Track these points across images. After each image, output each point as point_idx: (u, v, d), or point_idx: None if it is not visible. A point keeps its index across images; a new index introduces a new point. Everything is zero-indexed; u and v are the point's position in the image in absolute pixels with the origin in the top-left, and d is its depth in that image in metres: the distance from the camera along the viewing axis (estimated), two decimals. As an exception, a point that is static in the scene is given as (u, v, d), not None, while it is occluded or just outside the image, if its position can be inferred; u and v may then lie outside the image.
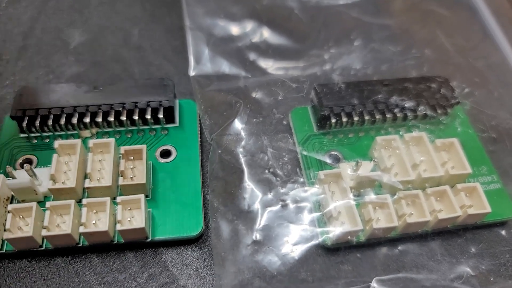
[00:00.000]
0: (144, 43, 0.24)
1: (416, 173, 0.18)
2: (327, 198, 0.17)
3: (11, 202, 0.17)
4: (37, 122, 0.19)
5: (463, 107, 0.21)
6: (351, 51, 0.23)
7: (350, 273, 0.17)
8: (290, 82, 0.22)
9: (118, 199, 0.17)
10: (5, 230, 0.16)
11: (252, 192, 0.18)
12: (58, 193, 0.17)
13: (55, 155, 0.18)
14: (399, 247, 0.18)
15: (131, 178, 0.17)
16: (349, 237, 0.17)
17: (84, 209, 0.16)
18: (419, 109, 0.20)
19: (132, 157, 0.18)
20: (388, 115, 0.20)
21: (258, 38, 0.23)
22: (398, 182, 0.18)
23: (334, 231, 0.17)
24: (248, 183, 0.18)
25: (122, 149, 0.18)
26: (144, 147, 0.18)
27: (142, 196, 0.17)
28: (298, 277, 0.17)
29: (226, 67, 0.22)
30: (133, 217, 0.17)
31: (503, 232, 0.19)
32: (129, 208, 0.17)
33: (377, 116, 0.20)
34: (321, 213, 0.18)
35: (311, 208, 0.18)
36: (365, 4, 0.26)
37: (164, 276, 0.17)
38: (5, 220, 0.16)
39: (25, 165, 0.18)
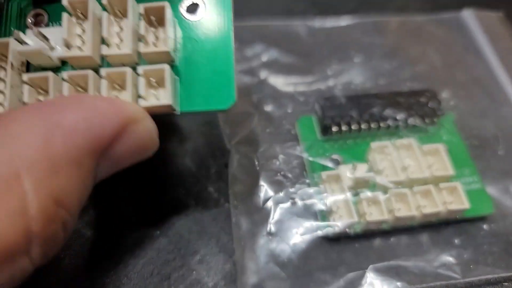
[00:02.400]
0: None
1: (405, 174, 0.22)
2: (328, 196, 0.21)
3: (27, 71, 0.16)
4: None
5: (449, 118, 0.25)
6: (352, 67, 0.28)
7: (349, 260, 0.21)
8: (297, 96, 0.26)
9: (140, 69, 0.15)
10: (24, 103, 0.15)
11: (266, 191, 0.22)
12: (73, 62, 0.15)
13: (65, 15, 0.15)
14: (391, 239, 0.21)
15: (153, 44, 0.16)
16: (346, 229, 0.21)
17: (104, 82, 0.15)
18: (409, 120, 0.24)
19: (153, 17, 0.16)
20: (382, 125, 0.24)
21: (269, 58, 0.27)
22: (389, 182, 0.22)
23: (334, 223, 0.21)
24: (263, 184, 0.22)
25: (142, 6, 0.15)
26: (165, 3, 0.16)
27: (166, 67, 0.15)
28: (305, 263, 0.20)
29: (241, 84, 0.26)
30: (156, 93, 0.15)
31: (484, 226, 0.22)
32: (153, 79, 0.15)
33: (373, 126, 0.24)
34: (323, 208, 0.21)
35: (315, 204, 0.22)
36: (365, 25, 0.30)
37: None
38: (22, 91, 0.15)
39: (37, 18, 0.16)
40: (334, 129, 0.24)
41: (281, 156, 0.24)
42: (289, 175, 0.23)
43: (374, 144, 0.23)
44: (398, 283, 0.20)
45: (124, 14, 0.16)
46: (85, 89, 0.15)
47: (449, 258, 0.21)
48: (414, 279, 0.20)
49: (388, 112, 0.24)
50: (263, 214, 0.22)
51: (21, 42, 0.15)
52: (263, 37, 0.28)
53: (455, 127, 0.25)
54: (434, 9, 0.32)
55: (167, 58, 0.16)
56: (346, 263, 0.21)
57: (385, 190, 0.22)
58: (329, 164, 0.23)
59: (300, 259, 0.21)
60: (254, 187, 0.22)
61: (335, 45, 0.29)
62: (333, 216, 0.21)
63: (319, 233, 0.21)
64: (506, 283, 0.21)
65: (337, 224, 0.21)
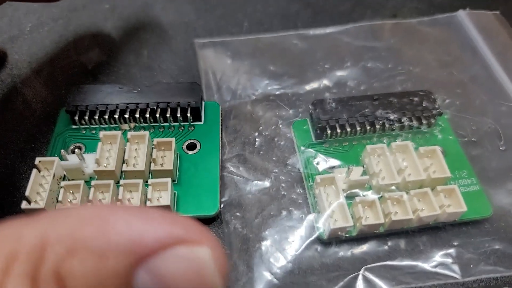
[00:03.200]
0: (153, 63, 0.29)
1: (401, 177, 0.22)
2: (323, 199, 0.21)
3: (63, 180, 0.22)
4: (86, 116, 0.24)
5: (445, 117, 0.25)
6: (345, 70, 0.28)
7: (345, 265, 0.21)
8: (292, 100, 0.26)
9: (149, 181, 0.21)
10: (57, 201, 0.21)
11: (260, 196, 0.22)
12: (101, 174, 0.22)
13: (99, 144, 0.22)
14: (387, 242, 0.21)
15: (161, 164, 0.22)
16: (339, 233, 0.21)
17: (121, 188, 0.21)
18: (405, 121, 0.24)
19: (163, 148, 0.23)
20: (377, 126, 0.24)
21: (263, 67, 0.28)
22: (385, 185, 0.21)
23: (329, 227, 0.20)
24: (257, 188, 0.22)
25: (155, 140, 0.23)
26: (173, 139, 0.23)
27: (169, 180, 0.21)
28: (300, 269, 0.20)
29: (237, 91, 0.27)
30: (160, 197, 0.21)
31: (482, 227, 0.22)
32: (158, 189, 0.21)
33: (367, 127, 0.24)
34: (318, 212, 0.21)
35: (309, 208, 0.22)
36: (358, 27, 0.30)
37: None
38: (58, 194, 0.21)
39: (75, 150, 0.23)
40: (329, 132, 0.24)
41: (275, 160, 0.24)
42: (284, 179, 0.23)
43: (370, 147, 0.23)
44: (395, 286, 0.20)
45: (141, 143, 0.23)
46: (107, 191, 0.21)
47: (447, 259, 0.21)
48: (411, 282, 0.20)
49: (383, 113, 0.24)
50: (258, 220, 0.21)
51: (65, 159, 0.22)
52: (257, 46, 0.29)
53: (452, 127, 0.25)
54: (429, 11, 0.32)
55: (170, 175, 0.22)
56: (341, 268, 0.21)
57: (381, 193, 0.22)
58: (324, 168, 0.23)
59: (294, 265, 0.21)
60: (248, 192, 0.22)
61: (328, 49, 0.29)
62: (328, 220, 0.21)
63: (314, 238, 0.21)
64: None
65: (332, 229, 0.21)
